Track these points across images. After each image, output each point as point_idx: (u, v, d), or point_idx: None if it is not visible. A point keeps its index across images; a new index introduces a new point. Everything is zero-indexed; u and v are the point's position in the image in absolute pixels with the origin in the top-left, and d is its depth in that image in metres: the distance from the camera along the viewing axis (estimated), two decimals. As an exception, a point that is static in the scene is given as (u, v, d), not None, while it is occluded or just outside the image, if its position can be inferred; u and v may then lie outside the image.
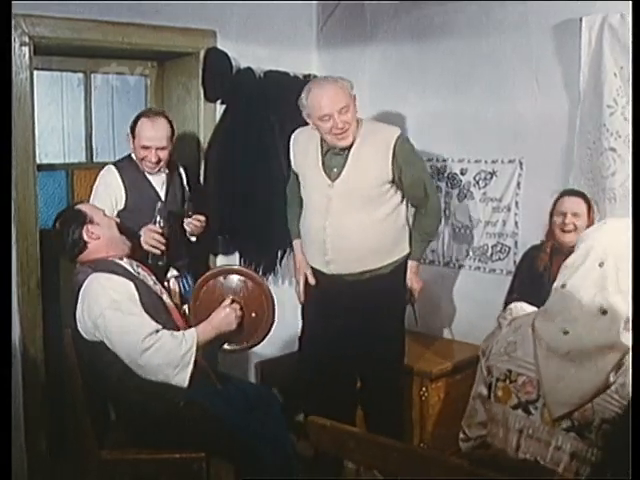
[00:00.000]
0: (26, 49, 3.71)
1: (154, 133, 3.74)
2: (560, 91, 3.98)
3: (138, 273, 3.28)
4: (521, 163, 4.18)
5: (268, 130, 4.53)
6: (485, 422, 2.38)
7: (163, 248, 3.67)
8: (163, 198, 3.86)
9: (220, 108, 4.51)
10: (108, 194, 3.76)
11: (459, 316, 4.53)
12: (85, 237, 3.21)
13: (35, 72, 3.85)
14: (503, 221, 4.29)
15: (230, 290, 3.33)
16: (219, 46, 4.43)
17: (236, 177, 4.39)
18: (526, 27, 4.06)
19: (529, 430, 2.23)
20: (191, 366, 3.05)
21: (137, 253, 3.51)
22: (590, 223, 3.57)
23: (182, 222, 3.84)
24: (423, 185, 3.75)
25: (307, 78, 4.73)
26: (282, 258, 4.74)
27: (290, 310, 4.33)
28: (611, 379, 2.13)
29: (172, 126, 3.83)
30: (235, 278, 3.36)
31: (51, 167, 4.43)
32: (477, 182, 4.38)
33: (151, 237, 3.63)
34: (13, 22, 3.60)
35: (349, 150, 3.62)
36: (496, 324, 2.55)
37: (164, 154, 3.78)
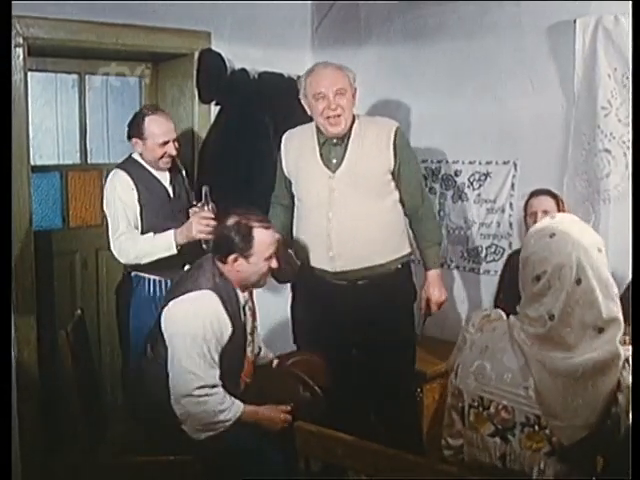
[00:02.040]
0: (20, 50, 3.72)
1: (168, 126, 3.77)
2: (554, 92, 3.98)
3: (245, 314, 3.18)
4: (515, 164, 4.18)
5: (263, 131, 4.52)
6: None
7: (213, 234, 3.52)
8: (171, 195, 3.86)
9: (214, 109, 4.51)
10: (126, 197, 3.69)
11: (453, 317, 4.52)
12: (229, 260, 3.08)
13: (29, 73, 3.86)
14: (497, 222, 4.29)
15: (290, 396, 3.21)
16: (213, 47, 4.43)
17: (230, 178, 4.39)
18: (520, 28, 4.05)
19: (511, 456, 2.14)
20: (214, 433, 2.97)
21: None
22: None
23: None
24: (420, 185, 3.73)
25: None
26: (277, 260, 4.74)
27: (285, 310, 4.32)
28: (619, 395, 2.05)
29: None
30: (300, 386, 3.26)
31: (45, 168, 4.43)
32: (471, 183, 4.38)
33: (204, 224, 3.53)
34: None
35: (348, 140, 3.55)
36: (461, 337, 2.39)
37: (177, 145, 3.81)
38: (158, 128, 3.72)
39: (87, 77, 4.48)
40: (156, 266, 3.67)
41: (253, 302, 3.33)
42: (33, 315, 3.91)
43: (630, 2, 3.06)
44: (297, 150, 3.69)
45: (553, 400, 2.08)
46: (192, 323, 2.95)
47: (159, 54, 4.41)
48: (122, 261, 3.72)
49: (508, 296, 3.56)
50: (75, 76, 4.45)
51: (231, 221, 3.10)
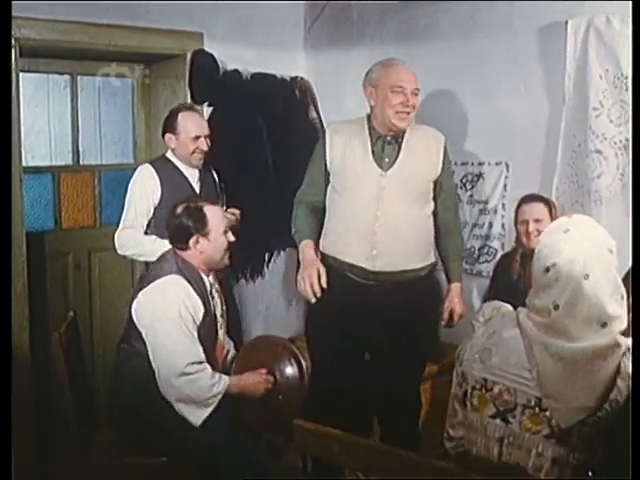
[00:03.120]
0: (12, 51, 3.70)
1: (201, 122, 3.92)
2: (546, 93, 4.00)
3: (213, 297, 3.24)
4: (507, 165, 4.19)
5: (255, 132, 4.53)
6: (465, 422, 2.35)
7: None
8: (199, 193, 3.90)
9: (207, 110, 4.50)
10: (145, 191, 3.81)
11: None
12: (190, 244, 3.15)
13: (21, 74, 3.85)
14: (490, 223, 4.30)
15: (271, 362, 3.29)
16: (206, 48, 4.43)
17: (223, 178, 4.38)
18: (512, 29, 4.07)
19: (509, 438, 2.19)
20: (210, 410, 3.02)
21: None
22: None
23: None
24: (455, 199, 3.78)
25: (294, 80, 4.76)
26: (269, 261, 4.74)
27: (279, 312, 4.33)
28: (618, 382, 2.11)
29: None
30: (280, 353, 3.33)
31: (37, 170, 4.42)
32: (464, 184, 4.39)
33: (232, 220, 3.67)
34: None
35: (402, 139, 3.53)
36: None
37: (209, 142, 3.89)
38: (191, 123, 3.85)
39: (79, 78, 4.48)
40: None
41: (221, 286, 3.39)
42: (25, 317, 3.89)
43: (630, 2, 3.08)
44: (344, 143, 3.56)
45: (553, 383, 2.14)
46: (166, 306, 3.01)
47: (152, 55, 4.40)
48: (120, 253, 3.83)
49: (498, 296, 3.57)
50: (67, 77, 4.45)
51: (180, 209, 3.18)
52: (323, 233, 3.64)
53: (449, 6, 4.30)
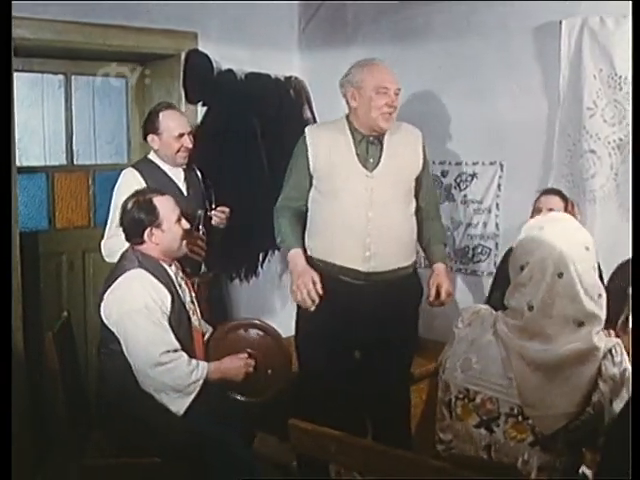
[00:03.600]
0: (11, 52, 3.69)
1: (183, 119, 3.85)
2: (540, 93, 4.01)
3: (179, 285, 3.25)
4: (502, 165, 4.20)
5: (250, 132, 4.52)
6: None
7: (203, 254, 3.73)
8: (185, 193, 3.87)
9: (201, 110, 4.50)
10: (123, 196, 3.65)
11: (441, 317, 4.51)
12: (145, 237, 3.16)
13: (15, 74, 3.84)
14: (484, 223, 4.31)
15: (249, 344, 3.33)
16: (200, 48, 4.43)
17: (217, 179, 4.38)
18: (506, 29, 4.07)
19: (496, 446, 2.17)
20: (192, 397, 3.04)
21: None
22: None
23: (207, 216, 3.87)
24: (435, 191, 3.82)
25: (288, 80, 4.75)
26: (264, 261, 4.74)
27: (273, 312, 4.33)
28: (600, 385, 2.09)
29: None
30: (255, 332, 3.37)
31: (31, 169, 4.41)
32: (458, 184, 4.40)
33: (194, 243, 3.64)
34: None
35: (383, 139, 3.53)
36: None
37: (192, 139, 3.85)
38: (173, 121, 3.79)
39: (73, 78, 4.47)
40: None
41: (185, 273, 3.40)
42: (19, 317, 3.88)
43: (628, 3, 3.09)
44: (328, 145, 3.54)
45: (532, 391, 2.12)
46: (132, 300, 3.03)
47: (146, 54, 4.40)
48: (107, 261, 3.73)
49: (501, 294, 3.57)
50: (61, 77, 4.44)
51: (130, 204, 3.18)
52: (307, 237, 3.63)
53: (444, 6, 4.30)
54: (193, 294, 3.38)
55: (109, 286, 3.10)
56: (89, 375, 4.40)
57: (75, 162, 4.57)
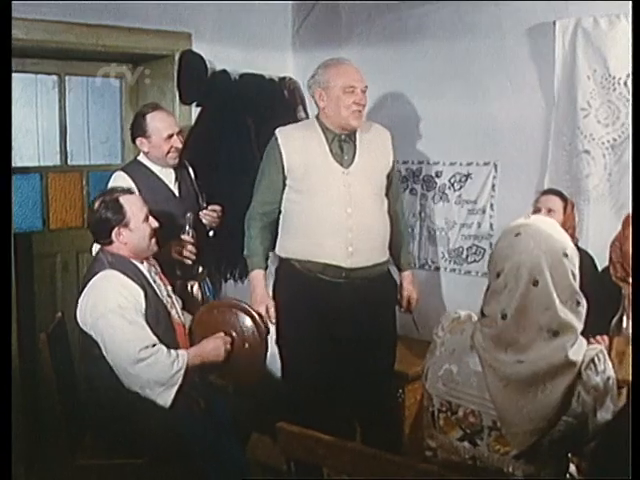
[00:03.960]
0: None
1: (171, 119, 3.82)
2: (534, 94, 4.01)
3: (154, 281, 3.24)
4: (496, 165, 4.20)
5: (244, 132, 4.52)
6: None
7: (194, 258, 3.71)
8: (177, 194, 3.87)
9: (195, 110, 4.50)
10: None
11: (434, 317, 4.49)
12: (113, 237, 3.14)
13: (8, 74, 3.83)
14: (478, 223, 4.31)
15: (227, 323, 3.34)
16: (194, 48, 4.42)
17: (211, 179, 4.38)
18: (500, 30, 4.08)
19: (480, 459, 2.13)
20: (177, 387, 3.04)
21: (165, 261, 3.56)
22: (566, 220, 3.59)
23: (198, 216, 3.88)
24: (400, 191, 3.81)
25: (282, 80, 4.75)
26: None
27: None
28: (583, 395, 2.03)
29: None
30: (234, 312, 3.37)
31: (25, 170, 4.40)
32: (452, 184, 4.40)
33: (183, 247, 3.67)
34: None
35: (355, 137, 3.57)
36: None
37: (182, 139, 3.84)
38: (161, 123, 3.74)
39: (67, 78, 4.46)
40: (170, 272, 3.68)
41: (160, 267, 3.39)
42: (13, 318, 3.88)
43: (625, 3, 3.09)
44: (302, 146, 3.56)
45: (505, 407, 2.07)
46: (104, 301, 3.02)
47: (140, 55, 4.39)
48: None
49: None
50: (55, 77, 4.43)
51: (97, 204, 3.17)
52: (282, 236, 3.63)
53: (437, 7, 4.30)
54: (169, 288, 3.37)
55: (81, 292, 3.11)
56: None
57: (69, 162, 4.57)
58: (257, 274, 3.62)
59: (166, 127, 3.74)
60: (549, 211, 3.65)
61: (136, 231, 3.16)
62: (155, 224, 3.25)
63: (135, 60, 4.54)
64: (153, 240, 3.25)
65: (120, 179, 3.72)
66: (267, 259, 3.70)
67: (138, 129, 3.76)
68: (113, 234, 3.13)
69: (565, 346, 2.04)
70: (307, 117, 4.78)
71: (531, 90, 4.01)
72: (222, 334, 3.28)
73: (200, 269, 3.91)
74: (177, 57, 4.38)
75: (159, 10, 4.24)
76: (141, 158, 3.83)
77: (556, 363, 2.03)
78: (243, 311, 3.39)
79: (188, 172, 4.02)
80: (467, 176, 4.33)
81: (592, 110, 3.77)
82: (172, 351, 3.08)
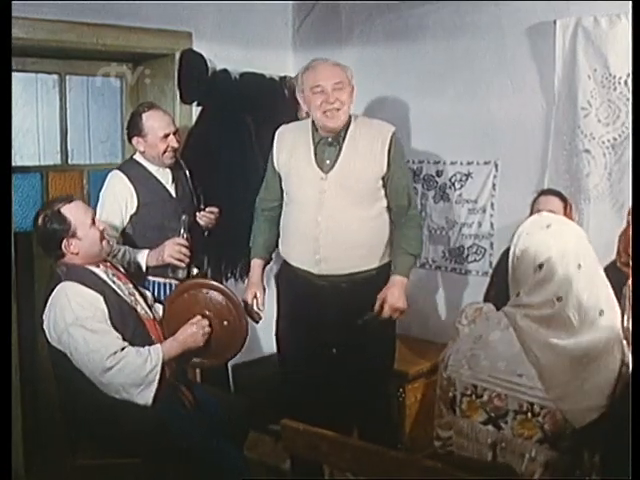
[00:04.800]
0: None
1: (167, 119, 3.78)
2: (535, 93, 4.01)
3: (113, 282, 3.21)
4: (496, 164, 4.21)
5: (244, 131, 4.52)
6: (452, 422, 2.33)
7: (188, 261, 3.69)
8: (173, 194, 3.85)
9: (196, 110, 4.50)
10: (117, 201, 3.69)
11: (435, 316, 4.54)
12: (63, 249, 3.12)
13: (9, 74, 3.83)
14: (479, 222, 4.31)
15: (200, 305, 3.30)
16: (195, 47, 4.41)
17: (211, 178, 4.37)
18: (500, 29, 4.08)
19: (502, 444, 2.18)
20: (155, 384, 3.01)
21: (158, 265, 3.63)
22: None
23: (195, 217, 3.86)
24: (408, 193, 3.59)
25: (283, 80, 4.75)
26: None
27: (268, 311, 4.30)
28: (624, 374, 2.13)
29: None
30: (204, 292, 3.33)
31: (26, 169, 4.40)
32: (453, 184, 4.40)
33: (177, 250, 3.64)
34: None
35: (343, 141, 3.48)
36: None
37: (178, 138, 3.82)
38: (157, 122, 3.72)
39: (68, 77, 4.45)
40: (161, 270, 3.72)
41: (118, 269, 3.36)
42: (13, 317, 3.87)
43: (625, 2, 3.09)
44: (290, 147, 3.57)
45: (561, 383, 2.14)
46: (63, 316, 2.99)
47: (140, 54, 4.39)
48: None
49: (499, 292, 3.56)
50: (55, 76, 4.42)
51: (40, 220, 3.13)
52: (282, 236, 3.68)
53: (437, 7, 4.30)
54: (130, 285, 3.33)
55: (43, 310, 3.09)
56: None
57: (69, 162, 4.56)
58: (254, 262, 3.70)
59: (162, 126, 3.72)
60: (550, 212, 3.65)
61: (85, 238, 3.13)
62: (102, 226, 3.24)
63: (135, 59, 4.54)
64: (104, 242, 3.23)
65: (117, 178, 3.72)
66: (270, 251, 3.73)
67: (134, 128, 3.75)
68: (63, 246, 3.11)
69: (613, 323, 2.19)
70: (308, 117, 4.78)
71: (531, 89, 4.02)
72: (198, 318, 3.24)
73: (196, 271, 3.89)
74: (177, 56, 4.37)
75: (159, 9, 4.23)
76: (137, 157, 3.81)
77: (607, 338, 2.16)
78: (214, 288, 3.34)
79: (184, 172, 3.99)
80: (467, 175, 4.33)
81: (592, 109, 3.77)
82: (143, 349, 3.04)
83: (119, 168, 3.80)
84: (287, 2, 4.94)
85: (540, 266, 2.21)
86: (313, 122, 3.54)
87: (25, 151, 4.44)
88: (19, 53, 3.92)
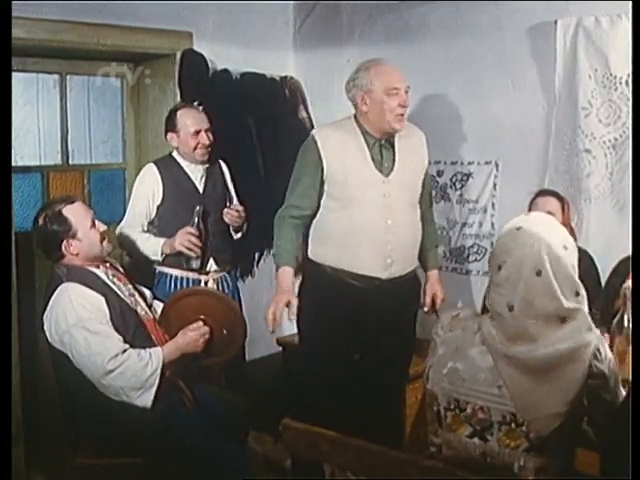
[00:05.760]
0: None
1: (200, 116, 3.92)
2: (535, 93, 4.01)
3: (113, 283, 3.21)
4: (497, 164, 4.21)
5: (245, 131, 4.53)
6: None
7: (198, 251, 3.75)
8: (201, 191, 3.93)
9: (196, 110, 4.50)
10: (145, 191, 3.86)
11: (435, 317, 4.53)
12: (63, 250, 3.13)
13: (9, 73, 3.83)
14: (479, 222, 4.32)
15: (200, 310, 3.32)
16: (195, 47, 4.42)
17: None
18: (501, 29, 4.08)
19: (490, 455, 2.15)
20: (155, 387, 3.01)
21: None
22: (565, 221, 3.58)
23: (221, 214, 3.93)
24: (431, 192, 3.73)
25: (284, 80, 4.75)
26: (259, 260, 4.74)
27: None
28: (590, 383, 2.09)
29: None
30: (204, 299, 3.37)
31: (26, 169, 4.40)
32: (454, 184, 4.40)
33: (186, 239, 3.71)
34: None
35: (393, 141, 3.44)
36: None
37: (211, 136, 3.90)
38: (189, 119, 3.86)
39: (68, 77, 4.45)
40: (178, 263, 3.82)
41: (118, 270, 3.37)
42: (14, 317, 3.87)
43: (625, 3, 3.09)
44: (339, 151, 3.40)
45: (524, 394, 2.11)
46: (65, 317, 2.99)
47: (141, 54, 4.39)
48: (120, 249, 3.94)
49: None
50: (56, 76, 4.42)
51: (40, 220, 3.14)
52: (314, 241, 3.53)
53: (438, 6, 4.31)
54: (130, 286, 3.35)
55: (44, 310, 3.09)
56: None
57: (70, 162, 4.55)
58: (283, 270, 3.44)
59: (194, 123, 3.85)
60: (548, 213, 3.64)
61: (85, 239, 3.14)
62: (102, 227, 3.24)
63: (136, 59, 4.54)
64: (104, 243, 3.23)
65: (148, 170, 3.88)
66: (297, 259, 3.53)
67: (169, 124, 3.90)
68: (63, 247, 3.12)
69: (575, 330, 2.10)
70: (308, 116, 4.79)
71: (532, 89, 4.02)
72: (200, 324, 3.26)
73: (214, 267, 3.94)
74: (178, 56, 4.37)
75: (160, 9, 4.23)
76: (174, 153, 3.95)
77: (570, 347, 2.08)
78: (216, 297, 3.41)
79: (221, 170, 4.09)
80: (468, 175, 4.34)
81: (593, 109, 3.77)
82: (145, 352, 3.05)
83: (154, 162, 3.95)
84: (288, 2, 4.94)
85: (499, 267, 2.16)
86: (358, 123, 3.44)
87: (26, 151, 4.43)
88: (20, 53, 3.92)
